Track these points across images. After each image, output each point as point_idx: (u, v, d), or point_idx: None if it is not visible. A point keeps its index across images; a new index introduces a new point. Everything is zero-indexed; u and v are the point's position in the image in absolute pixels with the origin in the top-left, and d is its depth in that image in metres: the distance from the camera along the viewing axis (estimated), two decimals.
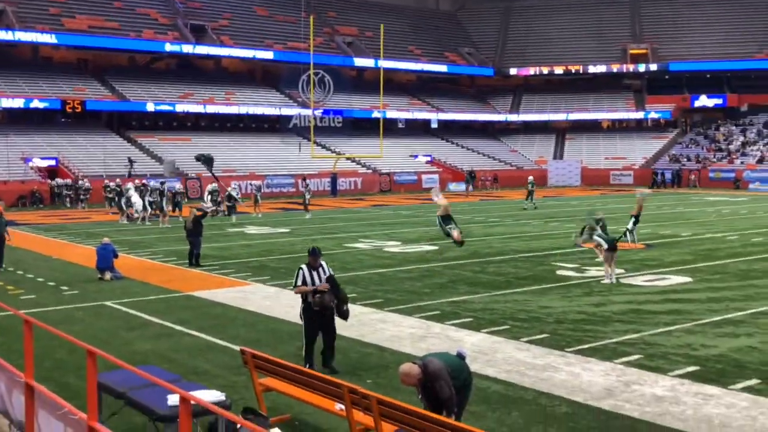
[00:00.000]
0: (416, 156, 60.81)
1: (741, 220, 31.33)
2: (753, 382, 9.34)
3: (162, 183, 34.86)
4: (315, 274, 10.02)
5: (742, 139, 64.03)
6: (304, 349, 10.06)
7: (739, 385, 9.20)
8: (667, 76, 70.42)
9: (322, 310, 9.89)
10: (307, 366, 9.58)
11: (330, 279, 9.99)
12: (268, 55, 60.23)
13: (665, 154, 64.79)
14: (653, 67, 69.92)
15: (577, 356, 10.57)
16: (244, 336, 11.90)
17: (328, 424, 7.93)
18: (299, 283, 10.02)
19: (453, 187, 55.61)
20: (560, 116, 70.80)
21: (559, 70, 71.52)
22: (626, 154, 64.87)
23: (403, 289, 15.97)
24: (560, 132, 70.91)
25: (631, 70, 70.79)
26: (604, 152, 65.94)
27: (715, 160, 61.14)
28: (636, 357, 10.47)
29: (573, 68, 71.10)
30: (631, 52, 71.68)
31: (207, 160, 40.28)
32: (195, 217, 20.06)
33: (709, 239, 24.15)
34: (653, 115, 69.54)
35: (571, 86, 73.25)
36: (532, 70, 72.19)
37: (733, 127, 67.17)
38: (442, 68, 70.37)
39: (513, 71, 72.89)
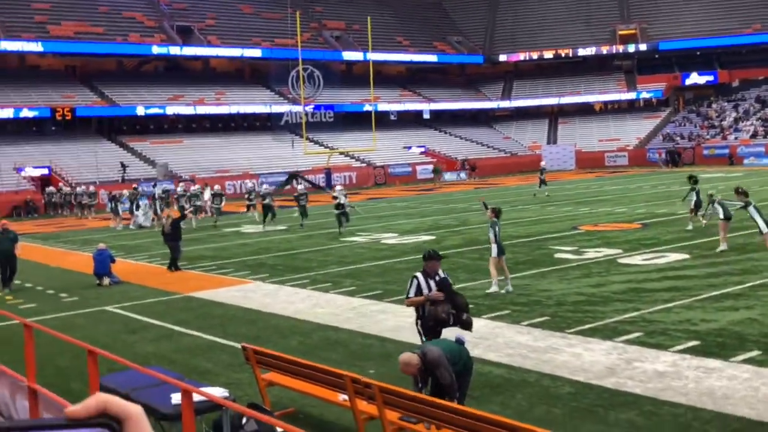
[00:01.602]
0: (410, 147, 60.78)
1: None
2: (754, 353, 9.37)
3: (154, 186, 34.84)
4: (432, 282, 8.44)
5: (734, 114, 64.06)
6: None
7: (740, 357, 9.23)
8: (657, 56, 70.41)
9: (436, 325, 8.30)
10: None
11: (443, 284, 8.40)
12: (256, 53, 60.13)
13: (659, 134, 64.81)
14: (643, 47, 69.88)
15: (578, 337, 10.60)
16: (244, 333, 11.89)
17: (332, 415, 7.94)
18: (412, 293, 8.46)
19: (448, 176, 55.64)
20: (552, 100, 70.76)
21: (548, 54, 71.44)
22: (620, 135, 64.86)
23: (402, 280, 15.86)
24: (553, 116, 70.90)
25: (620, 51, 70.76)
26: (598, 134, 65.93)
27: (708, 137, 61.17)
28: (636, 335, 10.50)
29: (563, 52, 71.04)
30: (620, 33, 71.62)
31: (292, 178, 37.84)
32: (172, 221, 19.64)
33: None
34: (645, 95, 69.51)
35: (561, 70, 73.17)
36: (521, 56, 72.13)
37: (725, 104, 67.18)
38: (432, 58, 70.29)
39: (503, 57, 72.82)
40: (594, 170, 57.82)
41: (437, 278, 8.44)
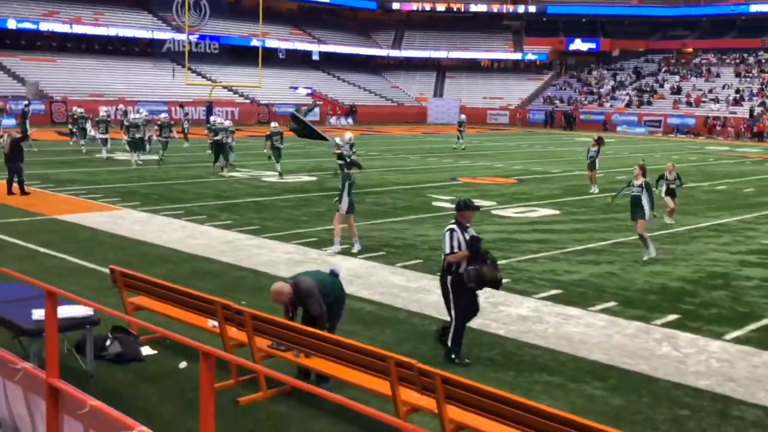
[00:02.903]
0: (296, 87, 59.90)
1: (607, 159, 32.65)
2: (611, 304, 9.90)
3: (27, 105, 32.90)
4: (466, 235, 7.75)
5: (612, 83, 66.64)
6: (453, 334, 7.71)
7: (598, 307, 9.74)
8: (544, 18, 72.09)
9: (479, 285, 7.66)
10: (455, 358, 7.62)
11: (475, 242, 7.66)
12: None
13: (540, 96, 66.68)
14: (532, 8, 71.35)
15: None
16: (113, 259, 11.47)
17: (200, 341, 7.80)
18: (455, 246, 7.66)
19: (333, 121, 55.33)
20: (441, 54, 71.32)
21: (441, 6, 71.75)
22: (503, 94, 66.27)
23: (281, 217, 15.88)
24: (441, 70, 71.52)
25: (510, 10, 71.93)
26: (483, 91, 67.10)
27: (586, 102, 63.46)
28: (504, 281, 10.81)
29: (455, 6, 71.52)
30: None
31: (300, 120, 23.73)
32: (12, 141, 18.06)
33: (577, 176, 25.14)
34: (530, 56, 71.17)
35: (452, 24, 73.71)
36: (414, 6, 72.09)
37: (605, 72, 69.76)
38: None
39: (396, 6, 72.55)
40: (476, 126, 58.93)
41: (470, 232, 7.77)
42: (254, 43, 56.38)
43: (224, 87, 53.66)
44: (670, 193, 16.73)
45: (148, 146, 26.82)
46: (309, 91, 60.13)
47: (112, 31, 54.45)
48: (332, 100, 59.67)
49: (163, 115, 28.15)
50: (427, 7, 71.95)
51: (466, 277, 7.56)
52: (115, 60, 54.34)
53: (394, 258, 12.23)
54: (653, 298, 10.31)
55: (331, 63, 67.66)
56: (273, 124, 24.71)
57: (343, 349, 5.87)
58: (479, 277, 7.53)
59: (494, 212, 17.29)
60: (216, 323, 7.00)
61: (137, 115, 28.17)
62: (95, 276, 10.51)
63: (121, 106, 40.85)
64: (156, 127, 27.25)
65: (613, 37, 71.35)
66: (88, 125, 30.08)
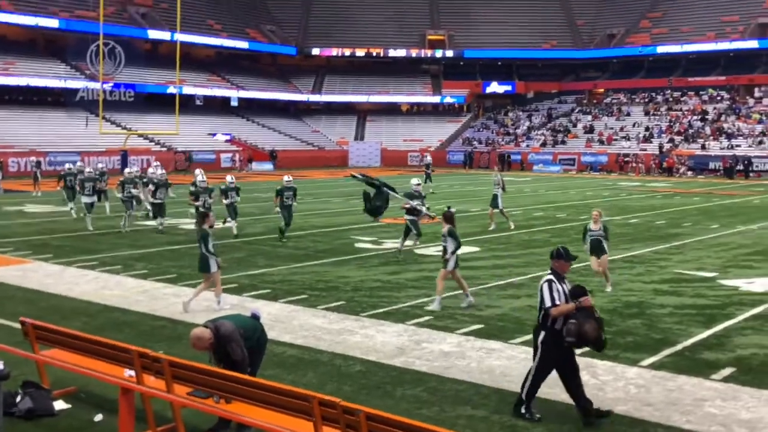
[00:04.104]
0: (215, 134, 59.45)
1: (524, 197, 33.53)
2: (530, 336, 10.01)
3: None
4: (565, 286, 7.17)
5: (528, 123, 68.49)
6: (528, 389, 7.25)
7: (519, 340, 9.88)
8: (462, 63, 73.87)
9: (578, 342, 6.94)
10: (525, 412, 7.19)
11: (580, 292, 7.07)
12: (53, 23, 56.20)
13: (459, 137, 67.94)
14: (449, 53, 73.06)
15: (371, 320, 10.87)
16: (24, 313, 10.97)
17: (117, 393, 7.57)
18: (557, 299, 6.96)
19: (255, 166, 55.09)
20: (362, 98, 72.07)
21: (360, 52, 72.72)
22: (423, 136, 67.23)
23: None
24: (361, 114, 72.23)
25: (429, 55, 73.48)
26: (403, 134, 67.96)
27: (503, 143, 64.92)
28: (426, 318, 10.95)
29: (374, 51, 72.60)
30: (430, 38, 74.41)
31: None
32: None
33: (495, 214, 25.54)
34: (449, 99, 72.55)
35: (372, 69, 74.73)
36: (334, 51, 72.84)
37: (521, 113, 71.71)
38: (243, 45, 69.15)
39: (316, 51, 73.15)
40: (398, 168, 59.54)
41: (566, 283, 7.19)
42: (171, 90, 55.75)
43: (140, 135, 52.80)
44: (595, 249, 13.14)
45: (139, 205, 23.24)
46: (228, 137, 59.77)
47: (23, 81, 53.11)
48: (252, 146, 59.42)
49: (159, 172, 22.95)
50: (347, 52, 72.81)
51: (566, 331, 6.88)
52: (26, 110, 52.96)
53: (317, 300, 12.16)
54: None
55: (250, 109, 67.52)
56: (286, 178, 19.83)
57: (265, 392, 5.77)
58: (580, 333, 6.84)
59: (417, 251, 17.42)
60: (133, 373, 6.79)
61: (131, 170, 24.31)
62: (4, 331, 10.10)
63: (33, 157, 39.72)
64: (151, 186, 21.99)
65: (527, 79, 73.59)
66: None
